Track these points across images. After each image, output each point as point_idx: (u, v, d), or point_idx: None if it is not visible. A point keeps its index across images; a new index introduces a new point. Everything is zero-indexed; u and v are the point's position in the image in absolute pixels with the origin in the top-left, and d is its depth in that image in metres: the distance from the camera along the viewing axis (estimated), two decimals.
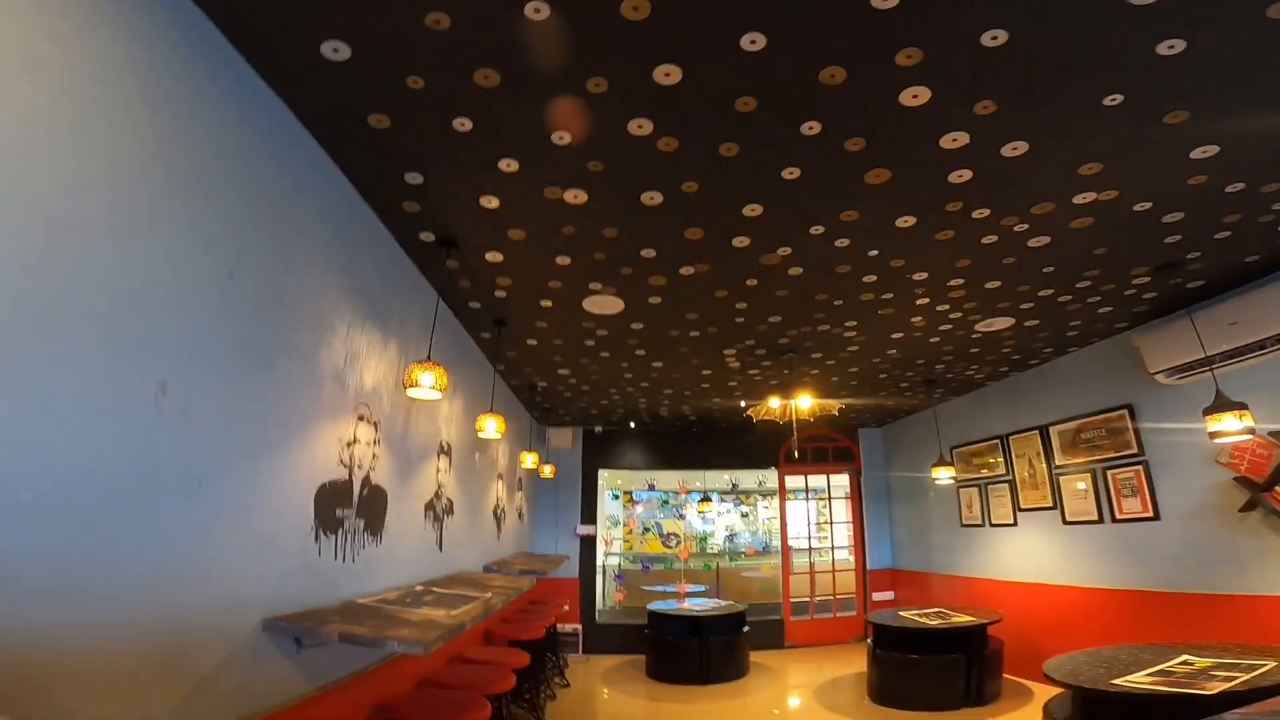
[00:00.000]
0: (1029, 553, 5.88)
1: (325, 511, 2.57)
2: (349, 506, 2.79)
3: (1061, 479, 5.53)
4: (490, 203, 2.90)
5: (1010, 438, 6.19)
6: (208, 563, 1.85)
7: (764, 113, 2.30)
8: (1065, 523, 5.46)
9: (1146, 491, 4.68)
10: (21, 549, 1.25)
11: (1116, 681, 2.81)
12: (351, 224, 2.82)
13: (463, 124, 2.35)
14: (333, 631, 2.20)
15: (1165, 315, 4.47)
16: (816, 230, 3.16)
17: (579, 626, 7.77)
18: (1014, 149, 2.52)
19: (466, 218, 3.04)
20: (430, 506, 3.94)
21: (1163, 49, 2.01)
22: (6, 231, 1.21)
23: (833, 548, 8.71)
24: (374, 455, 3.06)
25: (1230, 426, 3.34)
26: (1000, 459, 6.31)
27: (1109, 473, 5.02)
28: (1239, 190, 2.86)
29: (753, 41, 1.98)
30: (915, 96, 2.24)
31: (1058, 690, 3.45)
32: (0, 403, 1.20)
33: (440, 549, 4.12)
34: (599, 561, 8.62)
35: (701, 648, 6.41)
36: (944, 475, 6.04)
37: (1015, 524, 6.09)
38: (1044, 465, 5.72)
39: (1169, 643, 3.74)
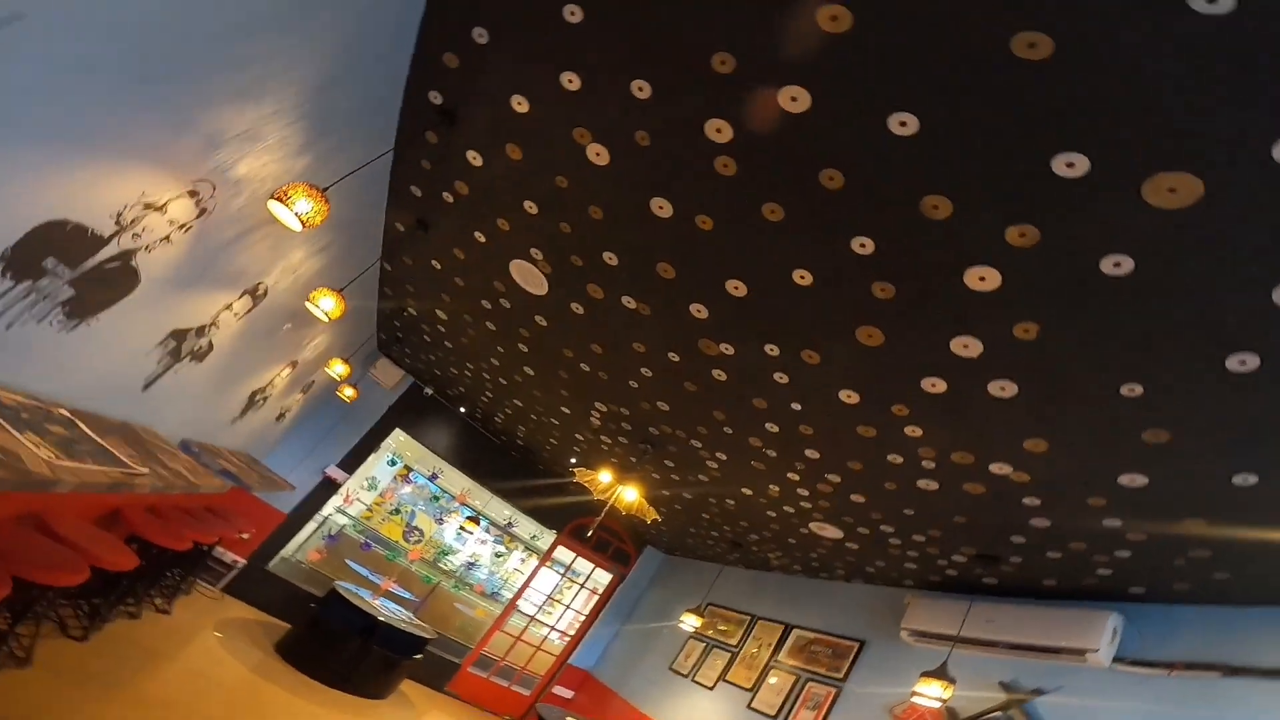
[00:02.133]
0: (703, 717, 6.02)
1: (33, 251, 1.79)
2: (70, 266, 1.99)
3: (771, 671, 5.77)
4: (519, 105, 2.42)
5: (760, 620, 6.41)
6: None
7: (831, 202, 2.08)
8: (748, 706, 5.66)
9: (824, 712, 4.98)
10: None
11: None
12: (377, 22, 2.20)
13: (573, 14, 1.92)
14: None
15: (948, 592, 4.70)
16: (771, 350, 2.96)
17: (242, 562, 6.43)
18: (1001, 389, 2.41)
19: (483, 105, 2.54)
20: (179, 336, 3.06)
21: (1234, 363, 1.87)
22: None
23: (551, 628, 8.26)
24: (167, 238, 2.28)
25: (933, 692, 3.64)
26: (740, 632, 6.51)
27: (809, 684, 5.31)
28: (1112, 527, 2.89)
29: (902, 123, 1.77)
30: (982, 279, 2.03)
31: None
32: None
33: (145, 387, 3.19)
34: (325, 511, 7.50)
35: (360, 651, 5.56)
36: (690, 622, 6.08)
37: (712, 689, 6.22)
38: (767, 654, 5.96)
39: None
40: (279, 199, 2.26)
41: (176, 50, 1.64)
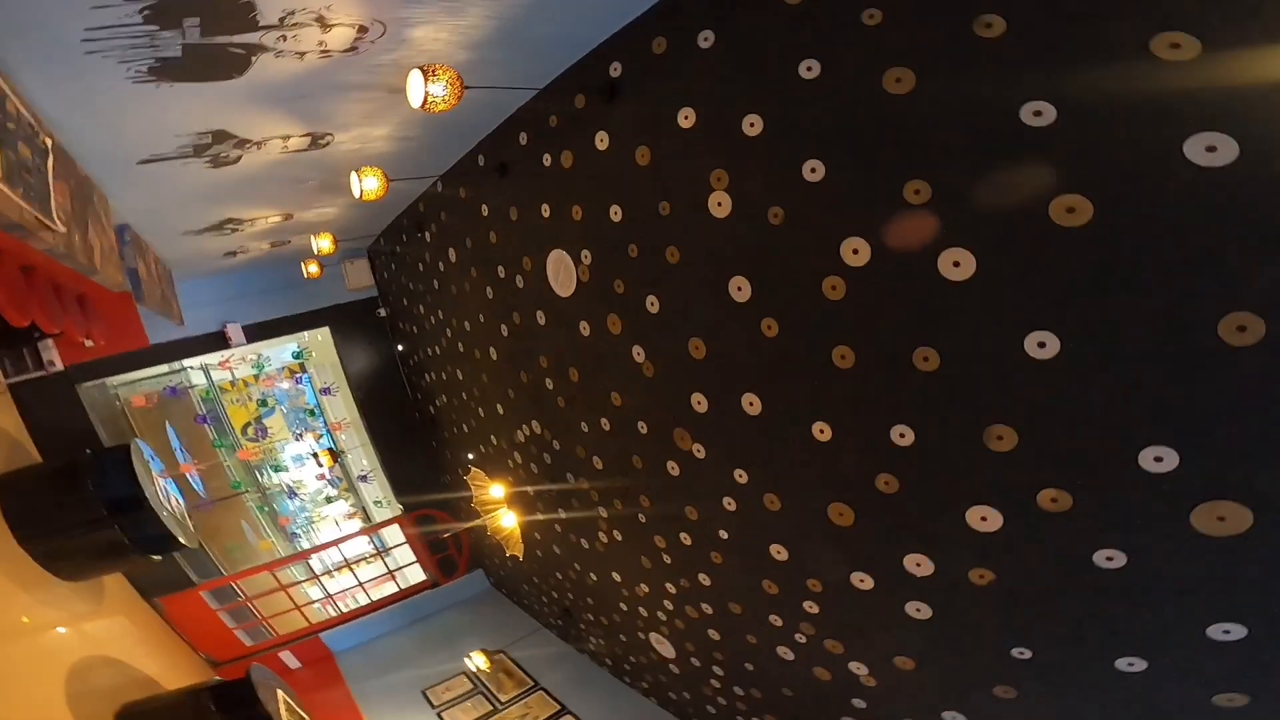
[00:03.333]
0: None
1: (182, 8, 1.70)
2: (202, 31, 1.88)
3: None
4: (685, 119, 2.51)
5: (542, 691, 6.11)
6: None
7: (909, 388, 2.22)
8: None
9: None
10: None
11: None
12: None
13: (809, 69, 2.04)
14: None
15: None
16: (740, 476, 3.00)
17: (59, 369, 5.31)
18: (917, 610, 2.52)
19: (657, 99, 2.61)
20: (219, 137, 2.87)
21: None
22: None
23: (327, 594, 7.54)
24: (302, 55, 2.21)
25: None
26: (515, 691, 6.21)
27: None
28: None
29: (1041, 343, 1.93)
30: (984, 520, 2.14)
31: None
32: None
33: (138, 163, 2.95)
34: (191, 363, 6.96)
35: (92, 523, 4.51)
36: (477, 660, 5.81)
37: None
38: None
39: None
40: (425, 72, 2.24)
41: None
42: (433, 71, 2.22)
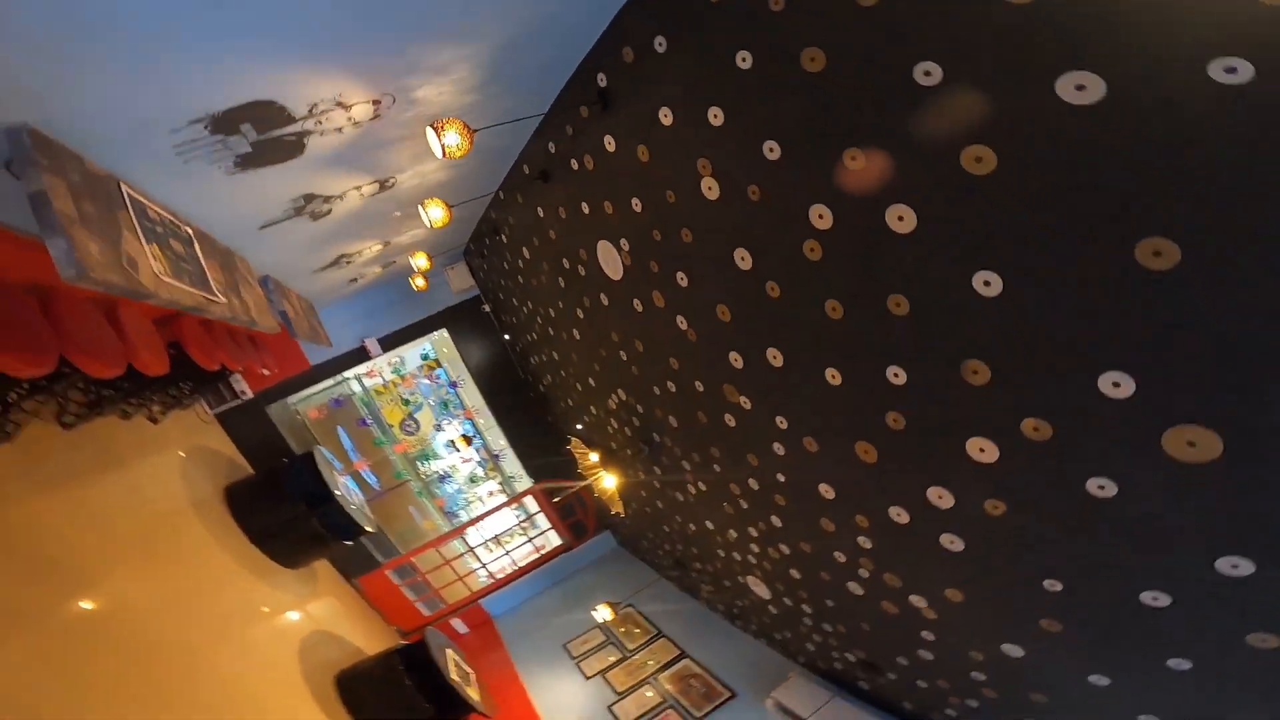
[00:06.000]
0: (567, 699, 6.34)
1: (237, 116, 2.21)
2: (259, 132, 2.40)
3: (647, 686, 6.07)
4: (664, 117, 2.74)
5: (663, 638, 6.73)
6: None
7: (892, 329, 2.33)
8: (609, 708, 5.98)
9: None
10: None
11: None
12: (584, 21, 2.56)
13: (743, 60, 2.21)
14: (41, 183, 1.76)
15: (828, 681, 4.86)
16: (781, 422, 3.23)
17: (249, 395, 6.74)
18: (951, 542, 2.65)
19: (635, 105, 2.87)
20: (309, 198, 3.50)
21: (1148, 599, 2.07)
22: None
23: (483, 565, 8.63)
24: (340, 129, 2.69)
25: None
26: (641, 640, 6.84)
27: (668, 710, 5.64)
28: (979, 679, 3.15)
29: (986, 282, 2.02)
30: (982, 450, 2.23)
31: None
32: None
33: (260, 229, 3.64)
34: (345, 375, 7.97)
35: (299, 519, 5.64)
36: (602, 613, 6.46)
37: (588, 679, 6.53)
38: (652, 670, 6.28)
39: None
40: (435, 128, 2.65)
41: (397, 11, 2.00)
42: (442, 126, 2.62)
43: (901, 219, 1.97)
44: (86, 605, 3.29)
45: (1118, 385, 1.73)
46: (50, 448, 3.61)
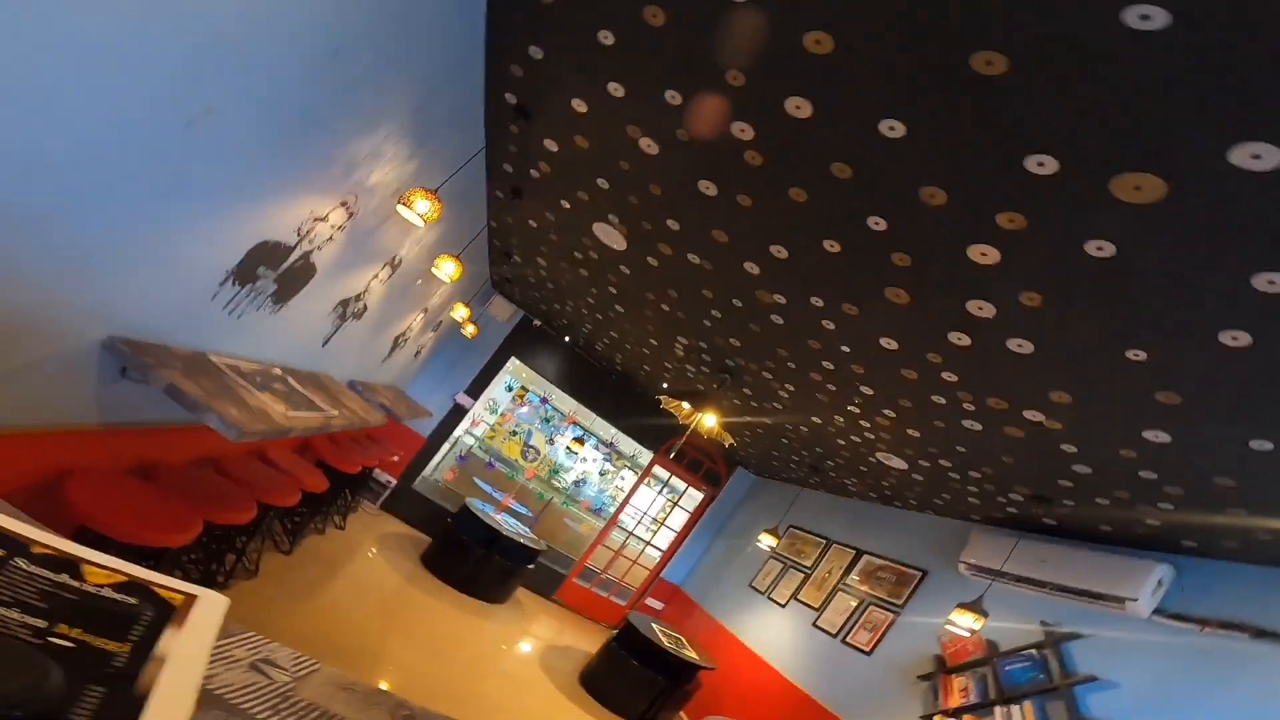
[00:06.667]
0: (774, 632, 6.65)
1: (250, 264, 2.55)
2: (273, 269, 2.76)
3: (839, 594, 6.25)
4: (579, 106, 2.88)
5: (834, 545, 6.85)
6: (111, 264, 1.82)
7: (850, 186, 2.39)
8: (814, 625, 6.22)
9: (879, 634, 5.46)
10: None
11: None
12: (458, 56, 2.73)
13: (605, 38, 2.32)
14: (164, 377, 2.12)
15: (1011, 528, 4.95)
16: (817, 301, 3.32)
17: (394, 482, 7.65)
18: (1019, 346, 2.67)
19: (551, 105, 3.01)
20: (345, 304, 3.92)
21: (1227, 339, 2.03)
22: None
23: (648, 543, 9.18)
24: (330, 238, 3.02)
25: (965, 623, 3.99)
26: (815, 554, 6.99)
27: (870, 608, 5.77)
28: (1149, 479, 3.11)
29: (891, 128, 2.04)
30: (983, 254, 2.31)
31: None
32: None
33: (324, 344, 4.10)
34: (456, 433, 8.65)
35: (484, 561, 6.53)
36: (766, 542, 6.61)
37: (784, 606, 6.81)
38: (837, 576, 6.44)
39: None
40: (403, 203, 2.92)
41: (318, 113, 2.24)
42: (408, 199, 2.88)
43: (799, 107, 2.04)
44: (385, 681, 4.05)
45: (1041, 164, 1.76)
46: (284, 573, 4.45)
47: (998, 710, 4.16)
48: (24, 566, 0.43)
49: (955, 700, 4.46)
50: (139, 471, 2.62)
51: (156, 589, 0.49)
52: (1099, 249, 2.00)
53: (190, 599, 0.49)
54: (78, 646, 0.39)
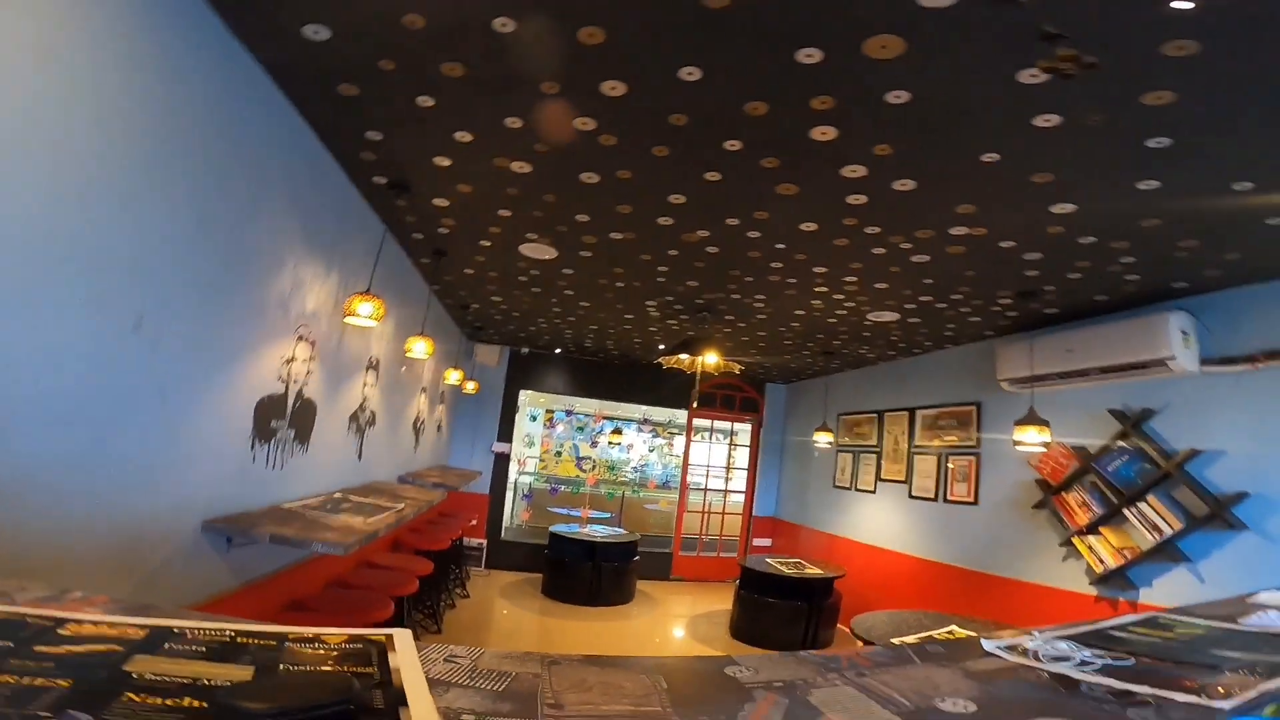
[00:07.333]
0: (878, 518, 6.75)
1: (262, 422, 2.89)
2: (282, 418, 3.11)
3: (916, 457, 6.29)
4: (442, 162, 3.14)
5: (885, 414, 6.91)
6: (164, 467, 2.17)
7: (693, 128, 2.65)
8: (910, 496, 6.28)
9: (974, 480, 5.45)
10: (34, 454, 1.57)
11: (893, 640, 3.50)
12: (310, 168, 3.01)
13: (425, 101, 2.58)
14: (264, 533, 2.54)
15: (1024, 331, 5.11)
16: (732, 221, 3.57)
17: (484, 541, 8.22)
18: (903, 185, 2.94)
19: (419, 170, 3.27)
20: (354, 418, 4.28)
21: (1039, 121, 2.33)
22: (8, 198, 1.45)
23: (726, 491, 9.41)
24: (308, 371, 3.35)
25: (1031, 438, 3.93)
26: (874, 431, 7.04)
27: (950, 458, 5.79)
28: (1090, 243, 3.36)
29: (690, 73, 2.30)
30: (824, 134, 2.61)
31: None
32: (18, 334, 1.49)
33: (359, 458, 4.48)
34: (511, 479, 9.06)
35: (594, 571, 7.00)
36: (823, 440, 6.81)
37: (874, 491, 6.89)
38: (906, 443, 6.47)
39: (947, 612, 4.48)
40: (348, 314, 3.23)
41: (224, 279, 2.50)
42: (349, 308, 3.19)
43: (613, 88, 2.28)
44: None
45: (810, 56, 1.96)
46: (457, 630, 5.38)
47: (1127, 513, 3.99)
48: (297, 648, 0.73)
49: (1081, 517, 4.31)
50: (292, 606, 3.15)
51: (368, 635, 0.78)
52: (896, 97, 2.25)
53: (390, 636, 0.78)
54: (355, 673, 0.67)
